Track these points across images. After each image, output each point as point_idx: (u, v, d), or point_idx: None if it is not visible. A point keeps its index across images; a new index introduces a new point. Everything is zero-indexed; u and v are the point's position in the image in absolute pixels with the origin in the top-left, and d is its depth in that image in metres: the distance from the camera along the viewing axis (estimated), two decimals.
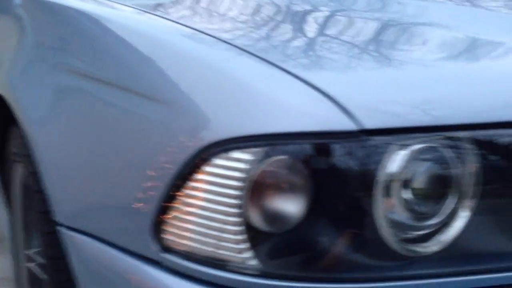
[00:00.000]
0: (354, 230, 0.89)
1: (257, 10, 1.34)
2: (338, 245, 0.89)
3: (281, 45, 1.10)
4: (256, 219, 0.89)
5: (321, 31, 1.20)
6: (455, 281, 0.93)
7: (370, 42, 1.16)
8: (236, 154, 0.89)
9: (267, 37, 1.17)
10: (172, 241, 0.94)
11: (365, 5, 1.44)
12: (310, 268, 0.90)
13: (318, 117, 0.88)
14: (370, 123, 0.87)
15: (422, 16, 1.33)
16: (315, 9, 1.34)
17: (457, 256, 0.93)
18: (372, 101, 0.91)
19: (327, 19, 1.30)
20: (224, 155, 0.90)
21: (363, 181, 0.88)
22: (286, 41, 1.14)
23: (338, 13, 1.34)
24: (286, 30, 1.24)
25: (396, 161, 0.88)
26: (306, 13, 1.32)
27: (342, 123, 0.87)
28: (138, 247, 0.99)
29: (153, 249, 0.96)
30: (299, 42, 1.15)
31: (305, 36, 1.19)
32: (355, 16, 1.32)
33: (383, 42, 1.16)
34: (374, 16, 1.32)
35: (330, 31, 1.22)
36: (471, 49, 1.16)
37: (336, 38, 1.18)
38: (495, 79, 1.02)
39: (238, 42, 1.05)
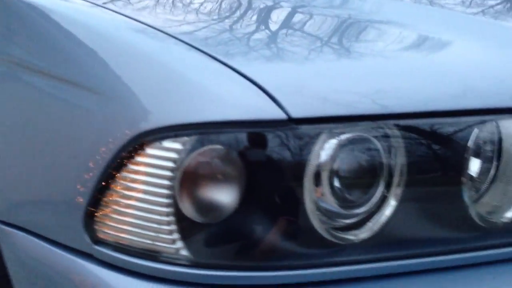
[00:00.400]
0: (286, 219, 0.91)
1: (210, 2, 1.34)
2: (270, 234, 0.91)
3: (220, 37, 1.10)
4: (188, 209, 0.89)
5: (267, 24, 1.20)
6: (384, 266, 0.95)
7: (315, 35, 1.17)
8: (168, 144, 0.89)
9: (209, 29, 1.16)
10: (104, 232, 0.94)
11: (326, 1, 1.44)
12: (241, 257, 0.91)
13: (248, 106, 0.89)
14: (297, 112, 0.88)
15: (378, 13, 1.34)
16: (273, 3, 1.34)
17: (385, 243, 0.96)
18: (302, 91, 0.92)
19: (279, 13, 1.30)
20: (156, 144, 0.90)
21: (294, 170, 0.89)
22: (227, 33, 1.14)
23: (293, 8, 1.33)
24: (230, 23, 1.24)
25: (325, 150, 0.90)
26: (260, 7, 1.32)
27: (271, 112, 0.88)
28: (71, 240, 0.99)
29: (85, 242, 0.95)
30: (240, 34, 1.15)
31: (248, 28, 1.19)
32: (310, 11, 1.31)
33: (327, 35, 1.18)
34: (329, 12, 1.33)
35: (277, 24, 1.22)
36: (418, 45, 1.18)
37: (281, 31, 1.18)
38: (429, 73, 1.04)
39: (176, 33, 1.04)
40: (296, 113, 0.88)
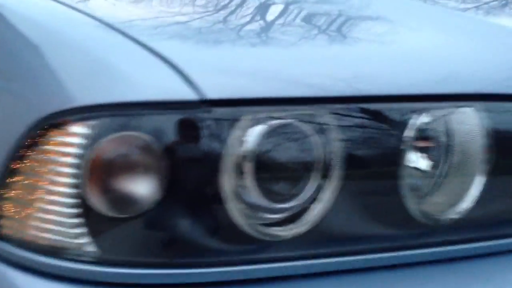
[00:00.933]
0: (205, 213, 0.82)
1: None
2: (189, 230, 0.82)
3: (141, 18, 1.01)
4: (96, 201, 0.81)
5: (197, 8, 1.12)
6: (317, 264, 0.87)
7: (249, 19, 1.08)
8: (75, 128, 0.81)
9: (132, 10, 1.08)
10: (7, 227, 0.85)
11: None
12: (157, 254, 0.82)
13: (162, 86, 0.81)
14: (214, 93, 0.80)
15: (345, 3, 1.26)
16: None
17: (319, 239, 0.87)
18: (223, 71, 0.84)
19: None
20: (62, 129, 0.81)
21: (212, 159, 0.80)
22: (151, 15, 1.06)
23: None
24: (160, 5, 1.16)
25: (248, 137, 0.81)
26: None
27: (185, 93, 0.79)
28: None
29: None
30: (166, 16, 1.06)
31: (176, 11, 1.11)
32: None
33: (262, 20, 1.09)
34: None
35: (208, 8, 1.14)
36: (375, 32, 1.09)
37: (210, 14, 1.10)
38: (376, 59, 0.96)
39: (91, 12, 0.97)
40: (212, 94, 0.79)
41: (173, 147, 0.81)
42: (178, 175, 0.81)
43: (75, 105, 0.81)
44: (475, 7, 1.38)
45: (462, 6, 1.39)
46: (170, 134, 0.81)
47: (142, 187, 0.81)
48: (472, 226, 0.95)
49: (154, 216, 0.81)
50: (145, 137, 0.80)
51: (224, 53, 0.90)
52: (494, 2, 1.45)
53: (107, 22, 0.92)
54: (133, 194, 0.81)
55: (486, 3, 1.43)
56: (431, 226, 0.92)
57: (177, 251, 0.83)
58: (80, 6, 1.03)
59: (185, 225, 0.82)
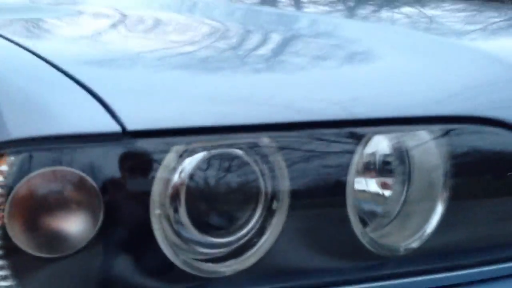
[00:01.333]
0: (137, 250, 0.78)
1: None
2: (122, 268, 0.78)
3: (67, 45, 0.99)
4: (21, 241, 0.76)
5: (127, 34, 1.10)
6: None
7: (176, 43, 1.05)
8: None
9: (56, 37, 1.06)
10: None
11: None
12: None
13: (82, 118, 0.77)
14: (135, 124, 0.75)
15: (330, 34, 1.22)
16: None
17: (264, 274, 0.83)
18: (148, 100, 0.80)
19: (150, 22, 1.19)
20: None
21: (144, 193, 0.76)
22: (78, 42, 1.04)
23: (157, 19, 1.22)
24: (89, 33, 1.13)
25: (181, 168, 0.77)
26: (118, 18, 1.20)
27: (109, 125, 0.75)
28: None
29: None
30: (93, 43, 1.04)
31: (101, 39, 1.09)
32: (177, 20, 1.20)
33: (205, 49, 1.06)
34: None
35: (142, 33, 1.12)
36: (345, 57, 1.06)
37: (143, 39, 1.07)
38: (317, 84, 0.93)
39: (27, 46, 0.94)
40: (136, 125, 0.75)
41: (102, 182, 0.76)
42: (109, 211, 0.77)
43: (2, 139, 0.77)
44: (480, 29, 1.35)
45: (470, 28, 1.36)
46: (97, 168, 0.76)
47: (71, 225, 0.77)
48: (430, 256, 0.90)
49: (86, 255, 0.77)
50: (72, 171, 0.76)
51: (157, 83, 0.86)
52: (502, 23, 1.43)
53: (38, 54, 0.89)
54: (61, 233, 0.77)
55: (494, 23, 1.43)
56: (385, 257, 0.87)
57: None
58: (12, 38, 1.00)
59: (119, 264, 0.78)
